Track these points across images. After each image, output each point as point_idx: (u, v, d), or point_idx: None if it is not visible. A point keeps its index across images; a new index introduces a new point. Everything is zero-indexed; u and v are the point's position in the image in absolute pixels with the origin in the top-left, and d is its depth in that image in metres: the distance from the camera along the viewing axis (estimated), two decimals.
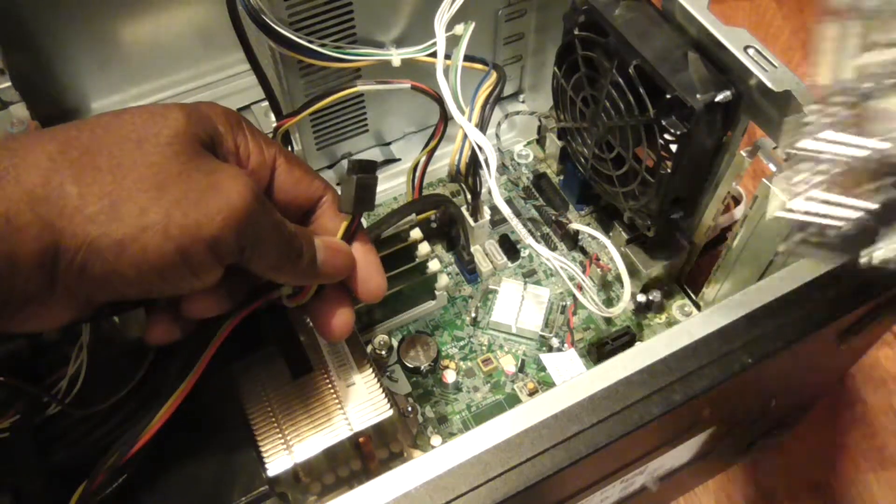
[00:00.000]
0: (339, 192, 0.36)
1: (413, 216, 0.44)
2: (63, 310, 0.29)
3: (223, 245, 0.29)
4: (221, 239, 0.28)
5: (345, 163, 0.55)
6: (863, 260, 0.28)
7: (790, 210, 0.29)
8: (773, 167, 0.38)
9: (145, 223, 0.27)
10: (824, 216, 0.28)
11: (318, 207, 0.36)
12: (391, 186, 0.54)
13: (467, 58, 0.40)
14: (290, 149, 0.49)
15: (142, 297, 0.31)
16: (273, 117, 0.47)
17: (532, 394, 0.46)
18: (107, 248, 0.27)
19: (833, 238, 0.28)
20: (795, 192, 0.28)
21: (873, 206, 0.27)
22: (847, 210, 0.27)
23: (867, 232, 0.27)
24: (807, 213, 0.28)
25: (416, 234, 0.45)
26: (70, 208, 0.26)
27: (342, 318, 0.36)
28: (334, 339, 0.37)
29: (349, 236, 0.36)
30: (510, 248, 0.52)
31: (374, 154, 0.55)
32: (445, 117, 0.44)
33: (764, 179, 0.38)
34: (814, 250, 0.29)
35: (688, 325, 0.33)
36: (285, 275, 0.34)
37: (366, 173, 0.35)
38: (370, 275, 0.37)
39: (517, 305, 0.48)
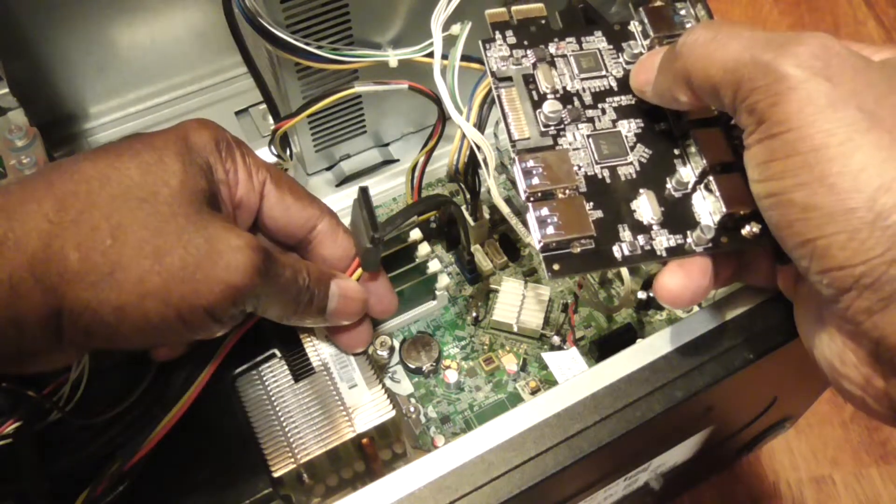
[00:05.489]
0: (362, 255, 0.36)
1: (415, 217, 0.44)
2: (70, 356, 0.30)
3: (221, 312, 0.29)
4: (219, 307, 0.29)
5: (343, 165, 0.55)
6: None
7: None
8: None
9: (145, 291, 0.27)
10: None
11: (312, 236, 0.36)
12: (390, 187, 0.54)
13: (464, 57, 0.40)
14: (288, 152, 0.48)
15: (147, 348, 0.32)
16: (271, 120, 0.47)
17: (534, 392, 0.46)
18: (108, 314, 0.27)
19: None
20: None
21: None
22: None
23: None
24: None
25: (415, 234, 0.45)
26: (71, 273, 0.26)
27: (360, 334, 0.37)
28: (350, 351, 0.37)
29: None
30: (510, 247, 0.52)
31: (373, 155, 0.55)
32: (443, 117, 0.44)
33: None
34: None
35: (689, 322, 0.33)
36: (290, 323, 0.34)
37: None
38: (382, 295, 0.37)
39: (518, 304, 0.48)
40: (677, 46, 0.29)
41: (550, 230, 0.31)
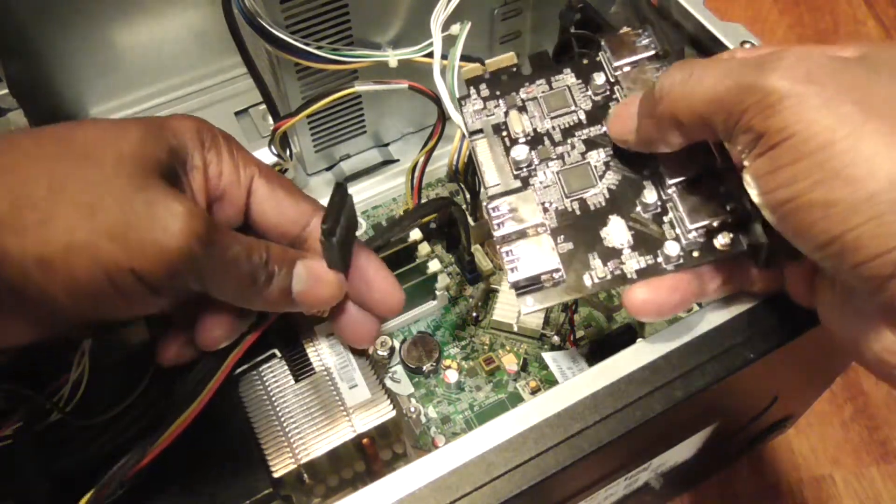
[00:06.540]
0: (323, 254, 0.34)
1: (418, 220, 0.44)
2: (21, 326, 0.29)
3: (154, 279, 0.27)
4: (151, 274, 0.27)
5: (343, 165, 0.55)
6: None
7: None
8: None
9: (70, 244, 0.26)
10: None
11: (307, 234, 0.35)
12: (390, 187, 0.54)
13: (464, 57, 0.40)
14: (288, 152, 0.48)
15: (88, 320, 0.30)
16: (271, 120, 0.47)
17: (534, 392, 0.46)
18: (32, 265, 0.26)
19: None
20: None
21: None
22: None
23: None
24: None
25: (415, 234, 0.45)
26: (1, 226, 0.26)
27: (366, 328, 0.36)
28: (356, 346, 0.37)
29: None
30: None
31: (373, 155, 0.55)
32: (443, 117, 0.44)
33: None
34: None
35: (689, 321, 0.33)
36: (251, 305, 0.32)
37: (341, 220, 0.33)
38: (387, 291, 0.36)
39: (518, 304, 0.48)
40: (656, 92, 0.30)
41: (520, 268, 0.33)
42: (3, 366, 0.33)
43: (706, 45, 0.40)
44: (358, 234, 0.37)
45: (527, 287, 0.33)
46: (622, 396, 0.31)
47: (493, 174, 0.36)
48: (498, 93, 0.38)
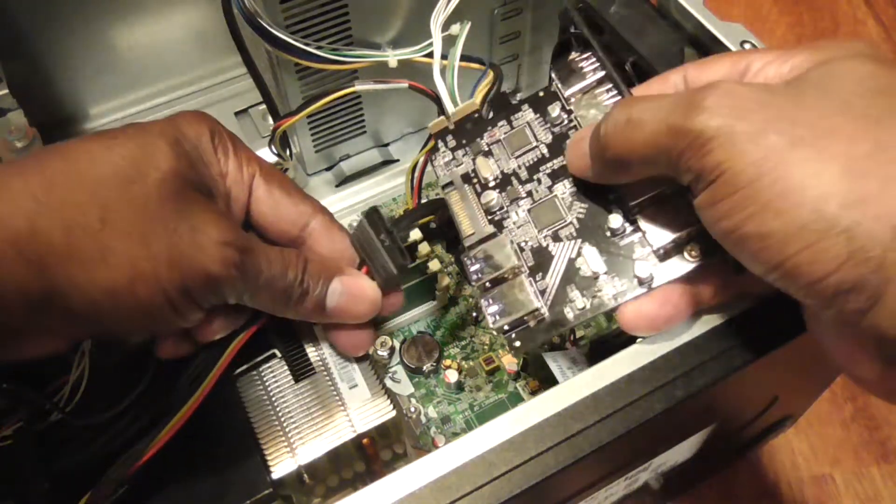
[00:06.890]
0: (385, 279, 0.36)
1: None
2: (59, 342, 0.30)
3: (202, 299, 0.30)
4: (200, 295, 0.30)
5: (343, 165, 0.55)
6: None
7: None
8: None
9: (136, 275, 0.28)
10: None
11: (306, 234, 0.35)
12: (390, 187, 0.54)
13: (464, 57, 0.40)
14: (288, 152, 0.48)
15: (133, 334, 0.32)
16: (271, 120, 0.47)
17: (534, 392, 0.46)
18: (100, 296, 0.27)
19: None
20: None
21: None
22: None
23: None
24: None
25: (415, 234, 0.45)
26: (60, 256, 0.27)
27: (358, 336, 0.36)
28: (350, 354, 0.37)
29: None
30: None
31: (373, 155, 0.55)
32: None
33: None
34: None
35: (689, 322, 0.33)
36: (286, 315, 0.34)
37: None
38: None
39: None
40: (601, 137, 0.30)
41: (502, 315, 0.34)
42: (3, 366, 0.33)
43: (706, 45, 0.40)
44: None
45: (511, 330, 0.34)
46: (622, 396, 0.31)
47: (467, 224, 0.36)
48: (464, 141, 0.39)
